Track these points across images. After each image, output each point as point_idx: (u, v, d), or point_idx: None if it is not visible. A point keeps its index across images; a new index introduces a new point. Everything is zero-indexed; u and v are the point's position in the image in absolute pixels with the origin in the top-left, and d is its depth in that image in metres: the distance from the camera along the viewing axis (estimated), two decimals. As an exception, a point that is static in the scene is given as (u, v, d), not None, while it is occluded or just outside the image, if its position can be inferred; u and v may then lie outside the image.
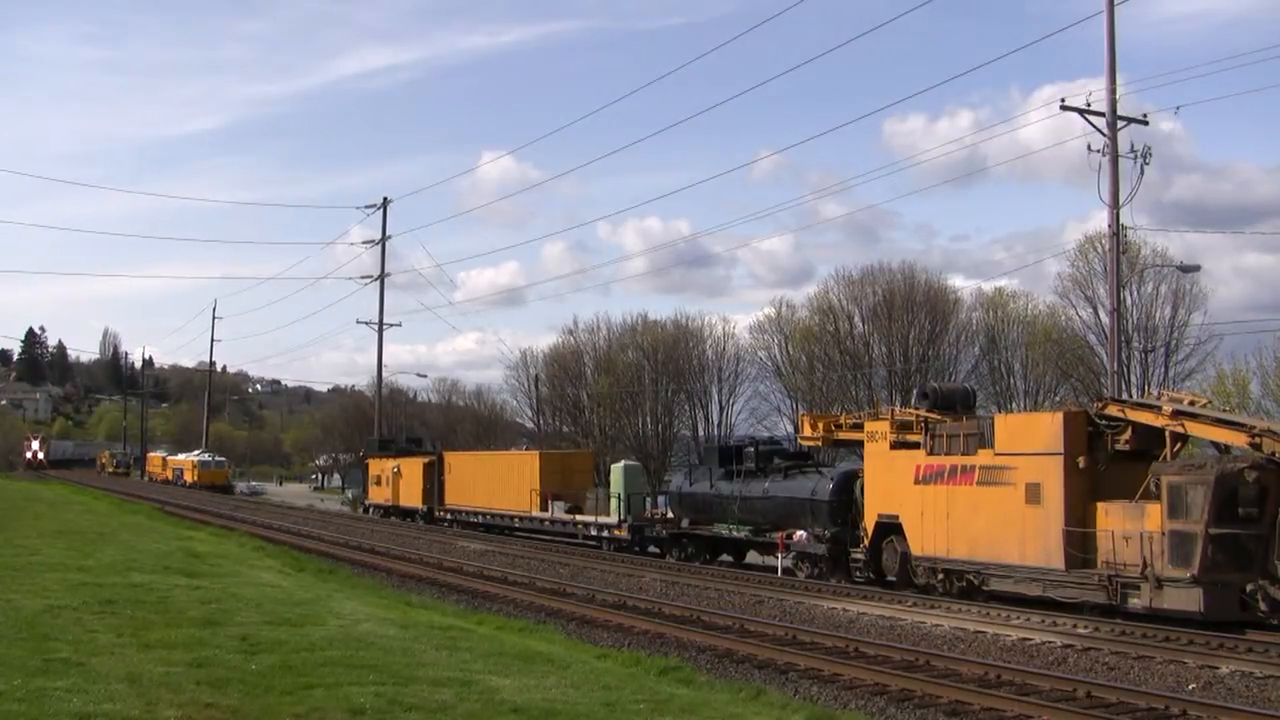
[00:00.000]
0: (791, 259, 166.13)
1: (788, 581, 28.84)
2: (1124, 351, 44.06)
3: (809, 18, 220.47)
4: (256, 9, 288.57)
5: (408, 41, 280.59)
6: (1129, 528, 21.11)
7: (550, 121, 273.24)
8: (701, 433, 77.29)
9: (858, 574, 27.98)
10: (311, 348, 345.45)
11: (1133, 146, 31.96)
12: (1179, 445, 21.79)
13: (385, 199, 70.02)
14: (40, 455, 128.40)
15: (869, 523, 27.16)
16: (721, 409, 78.03)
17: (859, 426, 28.89)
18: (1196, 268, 46.32)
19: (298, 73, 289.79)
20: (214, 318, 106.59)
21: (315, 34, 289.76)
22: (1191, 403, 22.46)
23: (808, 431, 31.55)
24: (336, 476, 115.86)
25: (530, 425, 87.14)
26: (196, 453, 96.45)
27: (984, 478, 23.84)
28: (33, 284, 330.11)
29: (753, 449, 33.68)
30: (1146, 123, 33.16)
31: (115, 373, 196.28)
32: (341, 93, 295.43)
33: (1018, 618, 21.92)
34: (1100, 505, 21.96)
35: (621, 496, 38.59)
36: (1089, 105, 31.80)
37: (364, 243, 73.00)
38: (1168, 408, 21.80)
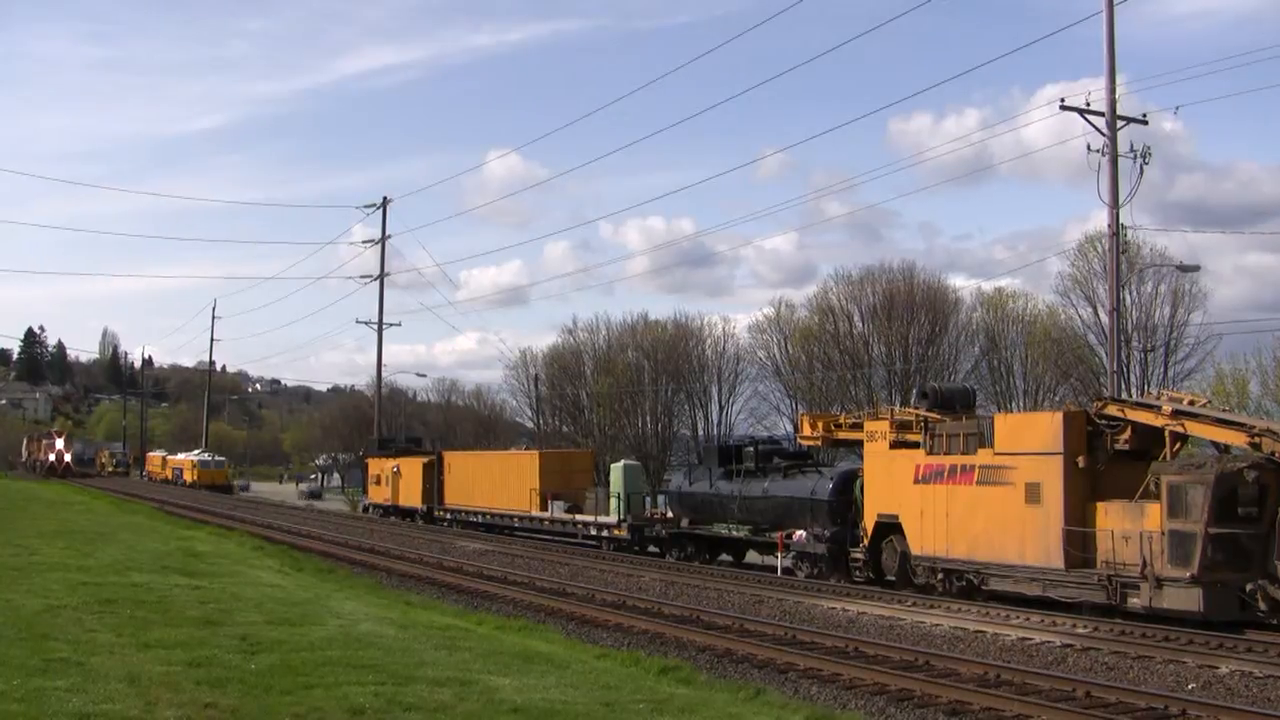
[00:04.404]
0: (794, 258, 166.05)
1: (787, 581, 28.84)
2: (1123, 351, 44.06)
3: (814, 16, 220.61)
4: (260, 7, 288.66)
5: (412, 40, 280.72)
6: (1128, 527, 21.11)
7: (555, 120, 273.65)
8: (701, 432, 77.40)
9: (857, 574, 27.98)
10: (311, 348, 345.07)
11: (1132, 146, 32.05)
12: (1178, 445, 21.80)
13: (385, 199, 70.12)
14: (66, 457, 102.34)
15: (868, 522, 27.17)
16: (721, 409, 78.24)
17: (858, 426, 28.90)
18: (1196, 268, 46.45)
19: (301, 71, 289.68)
20: (214, 317, 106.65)
21: (319, 32, 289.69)
22: (1191, 402, 22.47)
23: (807, 431, 31.57)
24: (336, 476, 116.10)
25: (530, 425, 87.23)
26: (196, 452, 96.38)
27: (984, 477, 23.85)
28: (32, 283, 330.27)
29: (752, 449, 33.68)
30: (1146, 122, 33.20)
31: (115, 372, 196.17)
32: (345, 91, 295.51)
33: (1017, 617, 21.92)
34: (1100, 505, 21.96)
35: (621, 496, 38.58)
36: (1088, 105, 31.85)
37: (364, 242, 73.09)
38: (1167, 407, 21.81)
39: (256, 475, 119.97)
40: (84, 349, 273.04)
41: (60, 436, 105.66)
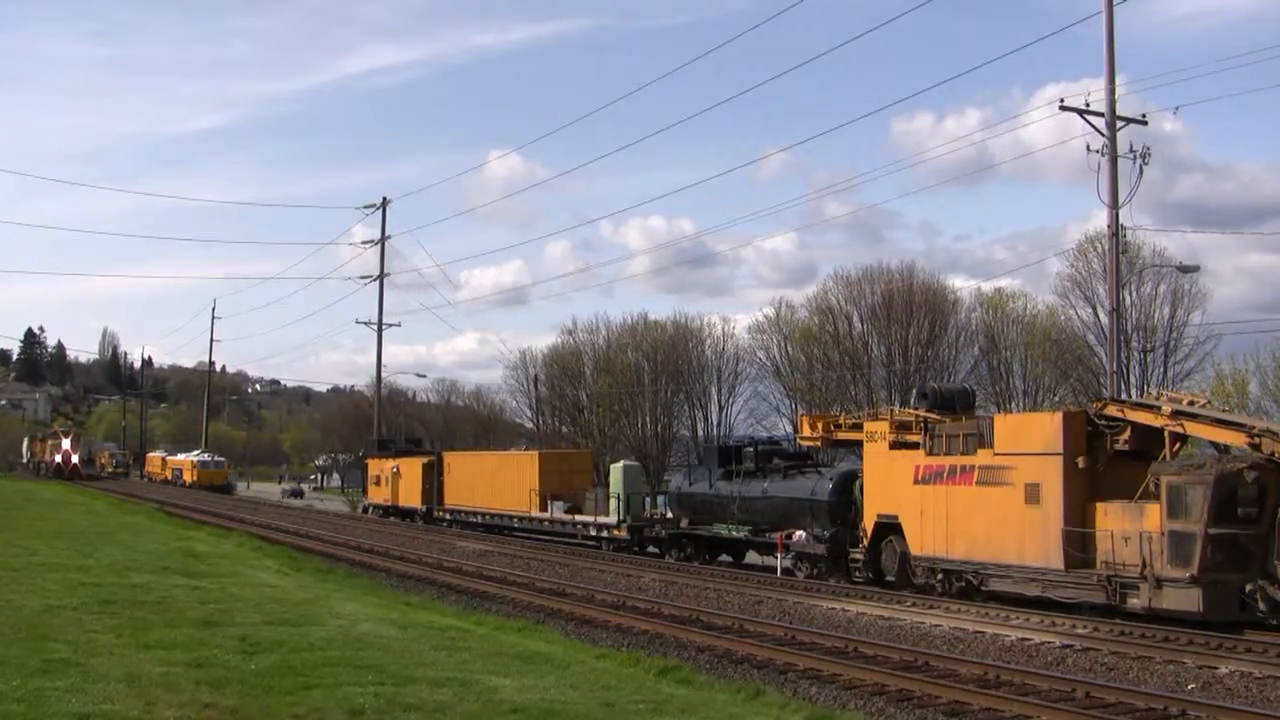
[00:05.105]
0: (795, 258, 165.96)
1: (787, 582, 28.85)
2: (1123, 351, 44.08)
3: (814, 16, 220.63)
4: (261, 7, 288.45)
5: (415, 39, 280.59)
6: (1128, 528, 21.12)
7: (555, 120, 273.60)
8: (701, 433, 77.34)
9: (857, 574, 27.98)
10: (311, 348, 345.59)
11: (1132, 147, 32.08)
12: (1178, 445, 21.80)
13: (384, 199, 70.28)
14: (74, 459, 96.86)
15: (868, 523, 27.18)
16: (721, 409, 78.20)
17: (858, 427, 28.91)
18: (1195, 268, 46.46)
19: (303, 71, 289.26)
20: (213, 318, 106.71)
21: (321, 32, 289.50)
22: (1190, 403, 22.46)
23: (807, 432, 31.57)
24: (336, 476, 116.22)
25: (530, 425, 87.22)
26: (196, 453, 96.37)
27: (983, 478, 23.85)
28: (32, 284, 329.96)
29: (752, 449, 33.69)
30: (1145, 123, 33.23)
31: (114, 373, 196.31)
32: (347, 91, 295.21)
33: (1017, 618, 21.93)
34: (1099, 505, 21.97)
35: (621, 497, 38.58)
36: (1088, 105, 31.87)
37: (364, 243, 73.15)
38: (1167, 408, 21.81)
39: (256, 475, 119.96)
40: (84, 349, 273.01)
41: (67, 437, 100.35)
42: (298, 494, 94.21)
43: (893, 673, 16.31)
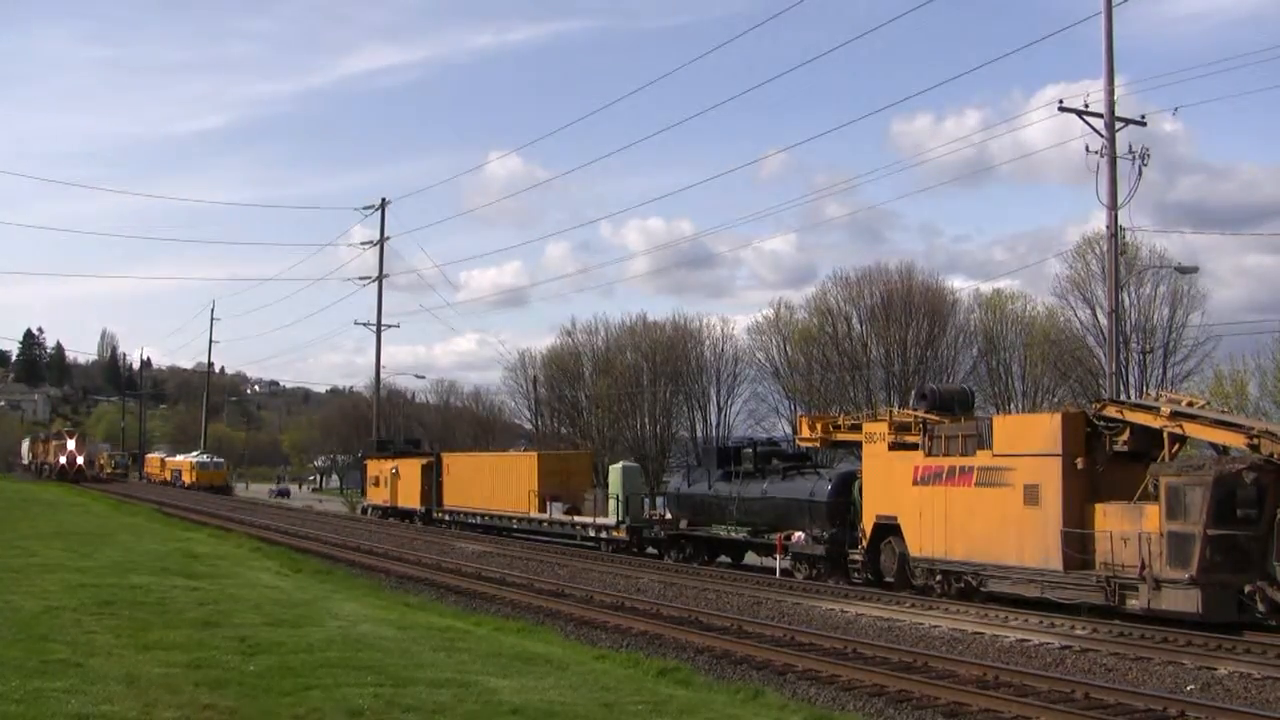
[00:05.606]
0: (794, 259, 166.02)
1: (786, 582, 28.85)
2: (1122, 353, 44.14)
3: (814, 16, 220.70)
4: (262, 7, 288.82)
5: (414, 40, 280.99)
6: (1127, 529, 21.12)
7: (555, 120, 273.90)
8: (700, 434, 77.37)
9: (856, 575, 28.00)
10: (310, 349, 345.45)
11: (1131, 148, 32.10)
12: (1177, 446, 21.80)
13: (383, 200, 70.26)
14: (78, 460, 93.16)
15: (867, 524, 27.18)
16: (720, 410, 78.29)
17: (857, 428, 28.91)
18: (1194, 269, 46.55)
19: (302, 71, 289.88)
20: (212, 318, 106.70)
21: (321, 32, 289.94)
22: (1189, 404, 22.47)
23: (806, 433, 31.57)
24: (335, 477, 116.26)
25: (529, 426, 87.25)
26: (195, 454, 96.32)
27: (982, 479, 23.85)
28: (31, 284, 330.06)
29: (751, 450, 33.71)
30: (1144, 124, 33.29)
31: (113, 374, 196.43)
32: (346, 92, 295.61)
33: (1016, 619, 21.94)
34: (1098, 506, 21.97)
35: (620, 498, 38.59)
36: (1087, 106, 31.89)
37: (363, 244, 73.13)
38: (1166, 409, 21.82)
39: (255, 477, 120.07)
40: (83, 350, 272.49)
41: (71, 438, 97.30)
42: (284, 494, 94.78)
43: (892, 674, 16.31)
